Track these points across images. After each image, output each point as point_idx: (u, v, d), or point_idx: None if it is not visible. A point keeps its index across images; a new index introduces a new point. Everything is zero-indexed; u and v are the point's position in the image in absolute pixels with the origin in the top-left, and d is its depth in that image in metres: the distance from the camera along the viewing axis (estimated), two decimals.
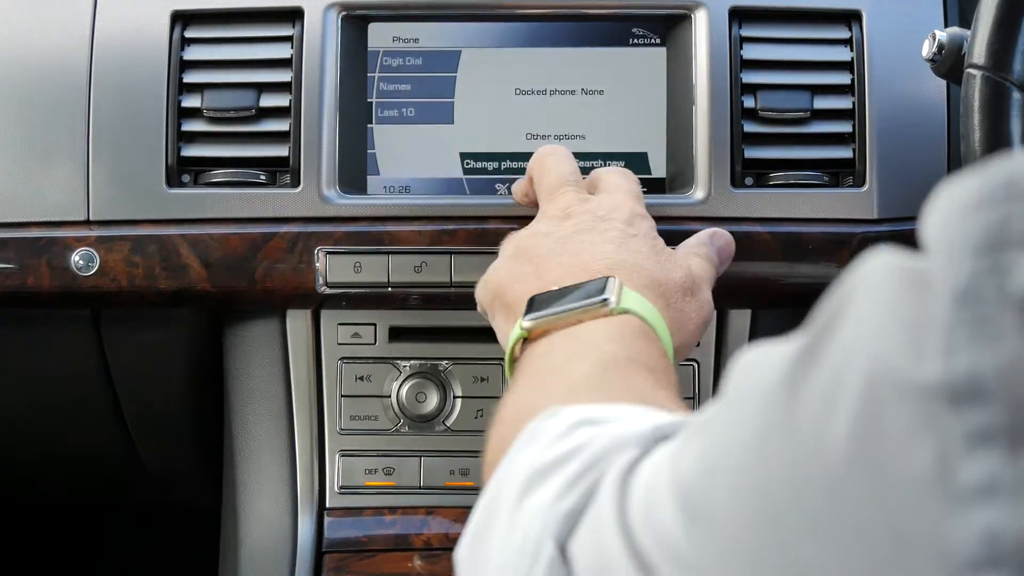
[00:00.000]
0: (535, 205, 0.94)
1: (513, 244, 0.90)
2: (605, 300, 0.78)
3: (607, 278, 0.79)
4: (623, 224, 0.87)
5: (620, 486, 0.52)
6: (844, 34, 1.06)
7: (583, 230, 0.86)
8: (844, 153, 1.04)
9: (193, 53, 1.05)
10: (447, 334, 1.08)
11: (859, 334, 0.39)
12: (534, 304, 0.80)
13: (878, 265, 0.41)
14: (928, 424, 0.37)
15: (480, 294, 0.91)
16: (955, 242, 0.38)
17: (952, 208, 0.39)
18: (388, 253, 1.03)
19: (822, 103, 1.05)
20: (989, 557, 0.36)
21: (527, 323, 0.79)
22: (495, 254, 0.95)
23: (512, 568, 0.56)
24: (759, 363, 0.45)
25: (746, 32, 1.06)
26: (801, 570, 0.41)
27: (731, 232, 0.99)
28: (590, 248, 0.85)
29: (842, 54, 1.06)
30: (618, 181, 0.93)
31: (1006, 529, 0.36)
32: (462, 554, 0.63)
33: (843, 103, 1.05)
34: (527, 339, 0.80)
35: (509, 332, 0.83)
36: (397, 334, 1.09)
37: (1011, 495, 0.36)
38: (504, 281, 0.87)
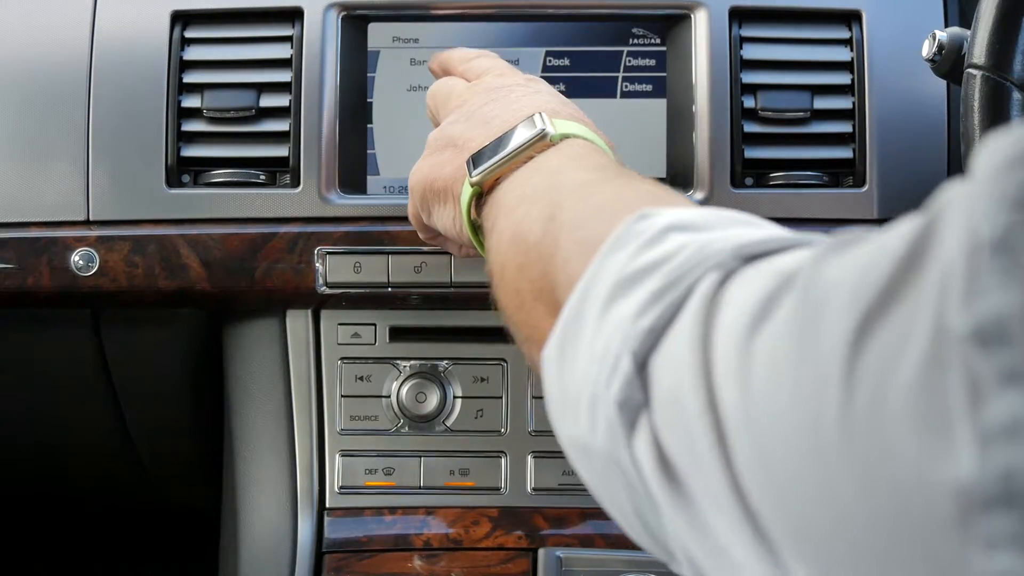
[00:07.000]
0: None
1: (426, 146, 0.88)
2: (543, 130, 0.76)
3: (532, 115, 0.78)
4: (523, 83, 0.87)
5: (704, 316, 0.51)
6: (844, 34, 1.06)
7: (487, 102, 0.85)
8: (844, 153, 1.04)
9: (193, 53, 1.05)
10: (447, 334, 1.08)
11: (928, 292, 0.40)
12: (471, 163, 0.78)
13: (955, 198, 0.41)
14: (964, 366, 0.37)
15: (411, 204, 0.90)
16: (994, 195, 0.39)
17: (994, 162, 0.40)
18: (388, 253, 1.03)
19: (822, 103, 1.05)
20: (1003, 496, 0.36)
21: (476, 177, 0.77)
22: None
23: (593, 376, 0.57)
24: (846, 272, 0.44)
25: (746, 32, 1.06)
26: (826, 484, 0.42)
27: None
28: (502, 110, 0.83)
29: (842, 54, 1.06)
30: (488, 64, 0.92)
31: (1023, 469, 0.36)
32: (550, 352, 0.62)
33: (843, 103, 1.05)
34: (480, 196, 0.78)
35: (452, 213, 0.83)
36: (397, 334, 1.09)
37: None
38: (428, 174, 0.86)
